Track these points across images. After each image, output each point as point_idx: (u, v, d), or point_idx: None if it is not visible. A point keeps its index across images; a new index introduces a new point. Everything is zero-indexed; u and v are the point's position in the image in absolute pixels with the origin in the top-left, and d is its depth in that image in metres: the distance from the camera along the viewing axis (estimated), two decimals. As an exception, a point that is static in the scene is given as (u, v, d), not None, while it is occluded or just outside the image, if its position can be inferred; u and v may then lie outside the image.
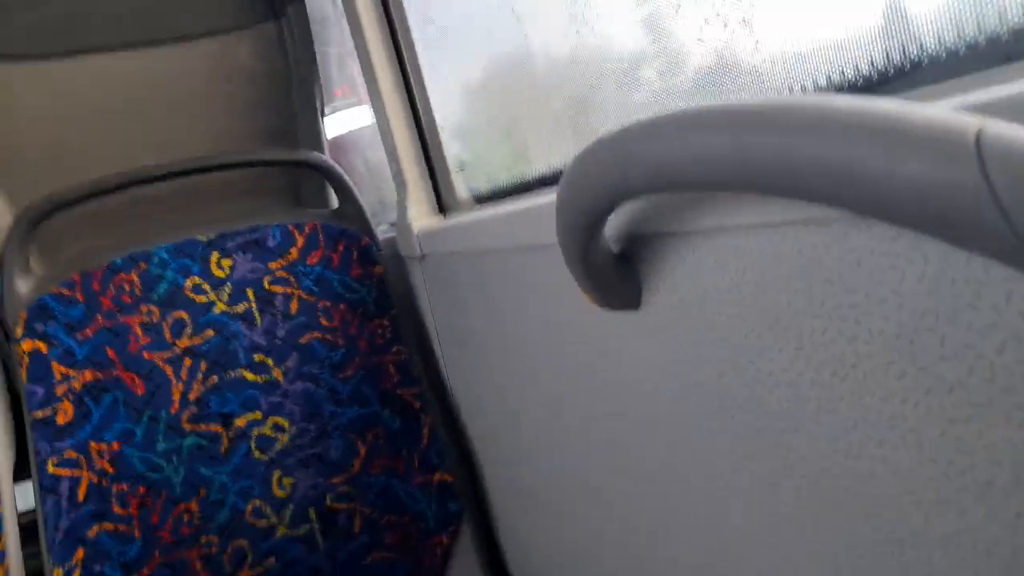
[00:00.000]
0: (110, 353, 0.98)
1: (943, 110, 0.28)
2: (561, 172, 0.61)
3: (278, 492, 1.00)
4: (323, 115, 1.37)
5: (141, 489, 0.95)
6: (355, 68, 1.83)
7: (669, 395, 0.59)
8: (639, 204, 0.55)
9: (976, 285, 0.34)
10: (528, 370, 0.83)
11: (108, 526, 0.92)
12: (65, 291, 0.99)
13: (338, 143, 1.88)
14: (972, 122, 0.26)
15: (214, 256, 1.06)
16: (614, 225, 0.59)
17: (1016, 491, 0.35)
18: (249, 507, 0.99)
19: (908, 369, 0.38)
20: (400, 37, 1.13)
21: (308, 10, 1.34)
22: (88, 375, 0.97)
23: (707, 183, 0.37)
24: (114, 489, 0.93)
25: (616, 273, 0.58)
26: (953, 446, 0.37)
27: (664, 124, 0.39)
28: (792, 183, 0.32)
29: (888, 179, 0.28)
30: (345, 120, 1.94)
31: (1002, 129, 0.26)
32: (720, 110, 0.35)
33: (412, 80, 1.12)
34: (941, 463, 0.38)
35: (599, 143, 0.45)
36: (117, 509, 0.93)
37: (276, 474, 1.00)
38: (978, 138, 0.26)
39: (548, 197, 0.71)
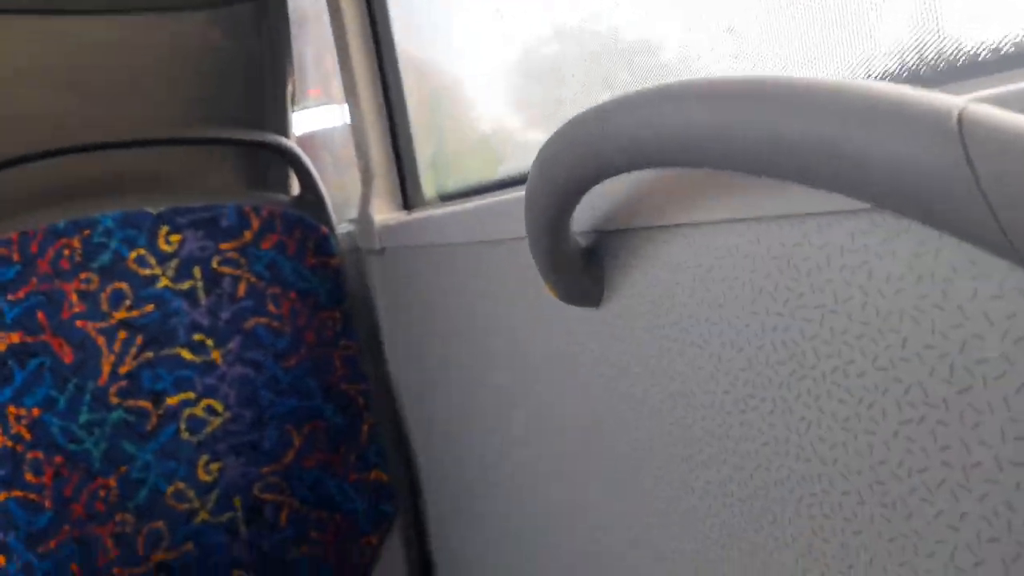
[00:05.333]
0: (41, 317, 0.93)
1: (926, 91, 0.28)
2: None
3: (203, 476, 0.96)
4: (293, 103, 1.35)
5: (58, 459, 0.89)
6: (330, 67, 1.81)
7: (627, 394, 0.58)
8: (607, 199, 0.55)
9: (943, 283, 0.34)
10: (479, 367, 0.81)
11: (17, 493, 0.86)
12: (1, 249, 0.94)
13: (308, 139, 1.86)
14: (955, 103, 0.26)
15: (163, 230, 1.02)
16: (582, 220, 0.58)
17: (964, 493, 0.34)
18: (171, 489, 0.94)
19: (867, 369, 0.38)
20: (380, 31, 1.12)
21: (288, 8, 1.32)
22: (15, 337, 0.91)
23: (682, 158, 0.37)
24: (28, 456, 0.88)
25: (581, 268, 0.57)
26: (904, 447, 0.37)
27: (639, 99, 0.38)
28: (770, 159, 0.32)
29: (869, 157, 0.28)
30: (316, 118, 1.92)
31: (985, 111, 0.26)
32: (697, 85, 0.35)
33: (389, 75, 1.12)
34: (891, 464, 0.38)
35: (573, 121, 0.44)
36: (29, 477, 0.87)
37: (204, 458, 0.96)
38: (960, 118, 0.26)
39: (515, 194, 0.71)
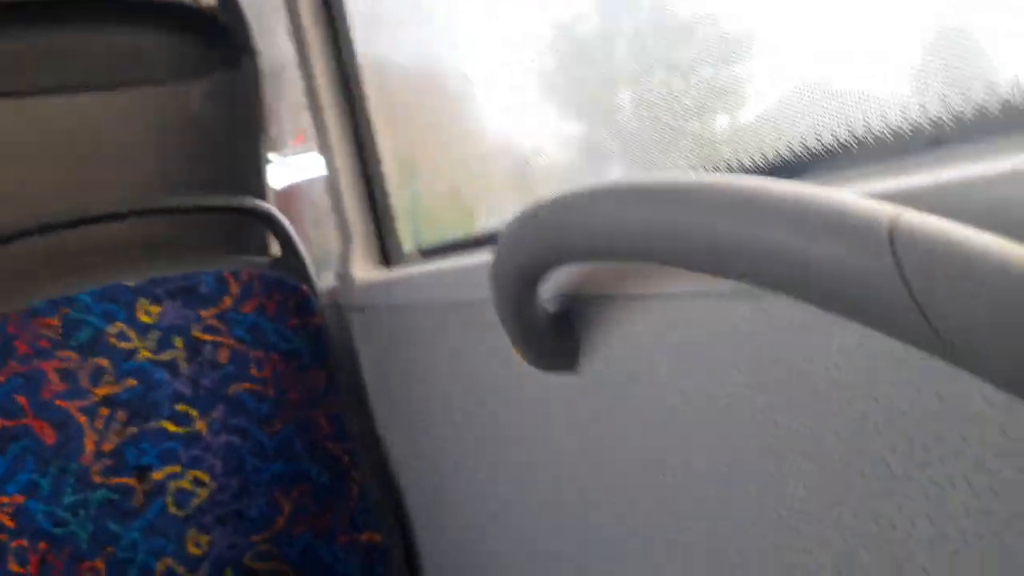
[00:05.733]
0: (21, 400, 0.93)
1: (862, 198, 0.28)
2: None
3: (193, 550, 0.94)
4: (268, 161, 1.36)
5: (43, 545, 0.88)
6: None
7: (604, 458, 0.58)
8: (577, 265, 0.55)
9: (894, 361, 0.35)
10: (464, 427, 0.81)
11: None
12: None
13: (288, 191, 1.86)
14: (888, 212, 0.27)
15: (141, 302, 1.02)
16: (552, 285, 0.59)
17: (933, 566, 0.35)
18: (160, 566, 0.93)
19: (830, 443, 0.39)
20: (352, 84, 1.13)
21: (266, 59, 1.33)
22: None
23: (635, 254, 0.37)
24: (12, 545, 0.87)
25: (552, 334, 0.57)
26: (873, 519, 0.37)
27: (596, 195, 0.39)
28: (715, 260, 0.33)
29: (806, 264, 0.29)
30: (298, 168, 1.92)
31: (916, 220, 0.26)
32: (649, 185, 0.36)
33: (363, 129, 1.12)
34: (861, 536, 0.38)
35: (534, 208, 0.45)
36: (14, 567, 0.86)
37: (192, 531, 0.95)
38: (892, 228, 0.26)
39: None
